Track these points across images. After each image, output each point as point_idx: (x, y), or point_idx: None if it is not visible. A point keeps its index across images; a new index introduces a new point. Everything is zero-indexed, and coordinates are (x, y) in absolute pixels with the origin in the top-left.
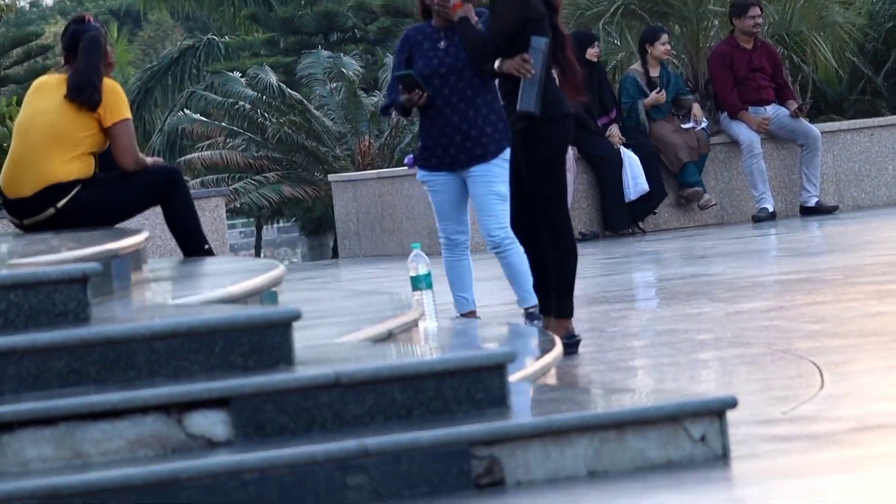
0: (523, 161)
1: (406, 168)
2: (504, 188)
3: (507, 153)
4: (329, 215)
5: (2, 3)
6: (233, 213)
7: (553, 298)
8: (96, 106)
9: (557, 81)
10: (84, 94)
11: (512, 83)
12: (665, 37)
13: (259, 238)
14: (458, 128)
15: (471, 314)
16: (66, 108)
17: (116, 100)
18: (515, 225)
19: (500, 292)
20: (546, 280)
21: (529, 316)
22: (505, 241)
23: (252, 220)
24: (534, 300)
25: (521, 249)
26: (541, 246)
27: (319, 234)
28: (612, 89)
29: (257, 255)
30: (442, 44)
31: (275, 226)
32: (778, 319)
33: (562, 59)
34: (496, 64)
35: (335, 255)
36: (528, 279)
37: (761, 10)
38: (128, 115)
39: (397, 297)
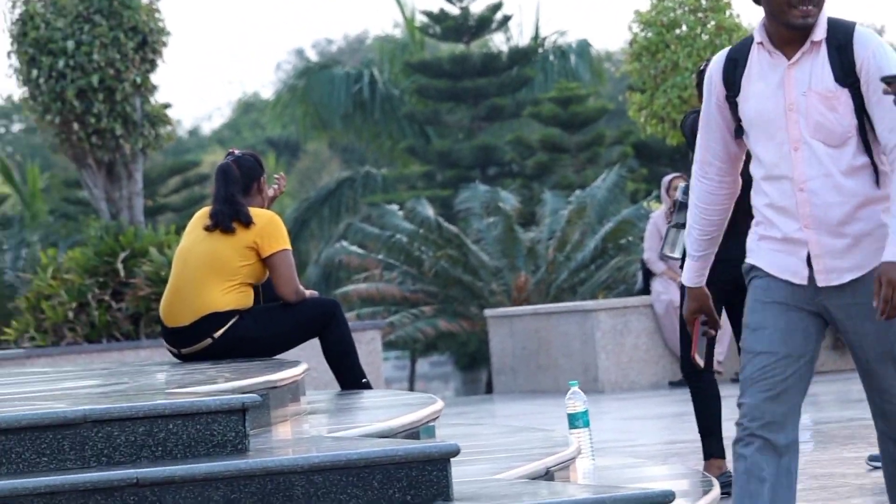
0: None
1: (563, 305)
2: None
3: None
4: (483, 350)
5: (162, 132)
6: (387, 345)
7: (713, 440)
8: (227, 231)
9: None
10: (217, 223)
11: None
12: None
13: (413, 371)
14: None
15: None
16: (222, 238)
17: (273, 230)
18: (684, 368)
19: (657, 431)
20: (712, 422)
21: None
22: None
23: (404, 352)
24: None
25: None
26: (705, 389)
27: (473, 368)
28: None
29: (410, 388)
30: None
31: (427, 359)
32: None
33: None
34: None
35: (489, 390)
36: None
37: None
38: (286, 245)
39: (554, 435)
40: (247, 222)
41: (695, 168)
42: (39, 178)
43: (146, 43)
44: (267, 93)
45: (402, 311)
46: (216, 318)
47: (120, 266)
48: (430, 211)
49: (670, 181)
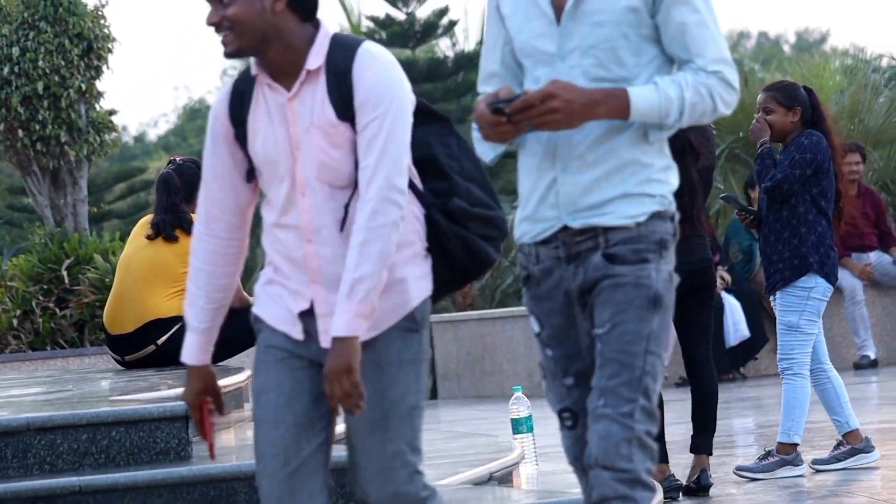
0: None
1: (507, 310)
2: (791, 318)
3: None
4: (429, 356)
5: (107, 138)
6: None
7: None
8: (170, 240)
9: None
10: (159, 232)
11: None
12: None
13: None
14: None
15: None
16: (164, 246)
17: None
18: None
19: None
20: None
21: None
22: (784, 371)
23: None
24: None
25: (802, 384)
26: None
27: None
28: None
29: None
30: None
31: None
32: (881, 469)
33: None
34: None
35: (434, 395)
36: (794, 414)
37: (863, 156)
38: None
39: (499, 440)
40: (189, 230)
41: (198, 226)
42: None
43: (91, 49)
44: (213, 98)
45: None
46: (159, 325)
47: (64, 273)
48: None
49: None
